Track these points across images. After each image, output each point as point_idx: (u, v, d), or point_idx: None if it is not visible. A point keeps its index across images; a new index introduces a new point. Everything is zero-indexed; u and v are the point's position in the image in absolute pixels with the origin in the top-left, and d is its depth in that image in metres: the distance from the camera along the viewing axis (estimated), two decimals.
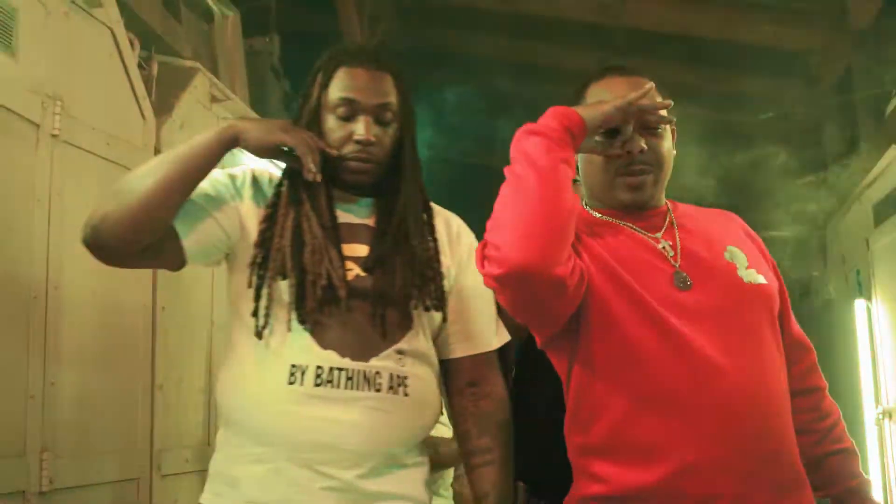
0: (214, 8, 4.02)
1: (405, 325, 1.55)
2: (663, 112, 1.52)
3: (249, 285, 1.51)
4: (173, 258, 1.52)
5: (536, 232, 1.34)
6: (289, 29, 4.79)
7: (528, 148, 1.40)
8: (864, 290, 4.37)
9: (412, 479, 1.57)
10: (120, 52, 2.56)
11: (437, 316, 1.62)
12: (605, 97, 1.50)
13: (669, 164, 1.58)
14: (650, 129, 1.53)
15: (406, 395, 1.53)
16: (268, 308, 1.49)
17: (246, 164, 1.68)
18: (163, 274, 2.66)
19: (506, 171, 1.41)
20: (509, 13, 5.78)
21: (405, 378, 1.53)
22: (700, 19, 5.48)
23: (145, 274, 2.63)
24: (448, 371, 1.66)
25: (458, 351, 1.66)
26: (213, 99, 3.17)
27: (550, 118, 1.43)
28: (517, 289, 1.39)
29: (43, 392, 2.13)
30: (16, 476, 2.05)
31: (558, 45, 6.16)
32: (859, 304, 4.36)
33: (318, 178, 1.51)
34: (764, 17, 5.25)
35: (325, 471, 1.47)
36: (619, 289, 1.45)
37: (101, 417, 2.39)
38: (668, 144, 1.57)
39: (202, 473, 2.93)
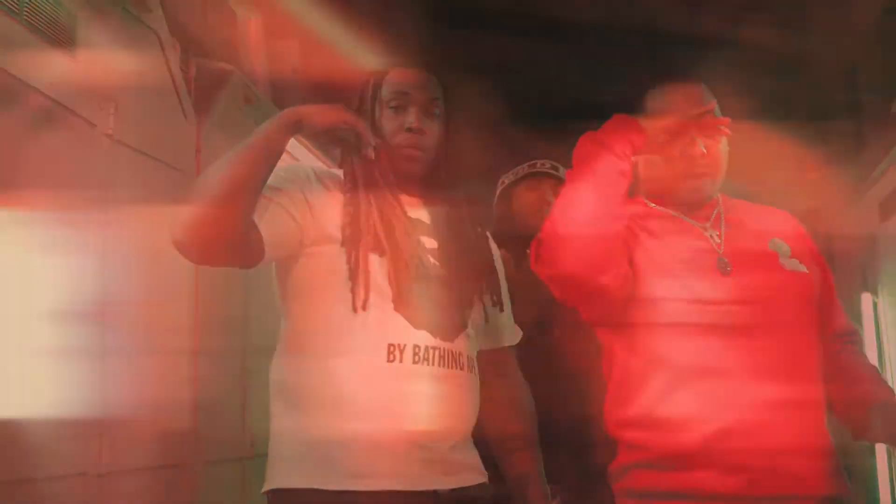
0: (238, 11, 4.11)
1: (469, 312, 1.66)
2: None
3: (348, 262, 1.54)
4: (253, 253, 1.52)
5: (588, 244, 1.49)
6: (306, 31, 4.85)
7: (590, 157, 1.53)
8: (869, 284, 4.48)
9: (475, 453, 1.68)
10: (165, 55, 2.66)
11: (480, 309, 1.72)
12: (661, 105, 1.64)
13: (725, 164, 1.69)
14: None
15: (475, 375, 1.65)
16: (366, 285, 1.54)
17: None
18: (203, 267, 2.75)
19: (567, 174, 1.56)
20: (517, 13, 5.86)
21: (474, 359, 1.65)
22: (701, 19, 5.56)
23: (187, 268, 2.71)
24: (481, 361, 1.73)
25: (503, 341, 1.79)
26: (246, 100, 3.26)
27: (614, 128, 1.56)
28: (565, 288, 1.58)
29: (102, 380, 2.23)
30: (78, 458, 2.15)
31: (565, 45, 6.24)
32: (865, 299, 4.47)
33: (373, 154, 1.58)
34: (766, 16, 5.33)
35: (423, 443, 1.54)
36: (667, 271, 1.57)
37: (152, 404, 2.49)
38: (723, 146, 1.67)
39: (240, 461, 3.04)
